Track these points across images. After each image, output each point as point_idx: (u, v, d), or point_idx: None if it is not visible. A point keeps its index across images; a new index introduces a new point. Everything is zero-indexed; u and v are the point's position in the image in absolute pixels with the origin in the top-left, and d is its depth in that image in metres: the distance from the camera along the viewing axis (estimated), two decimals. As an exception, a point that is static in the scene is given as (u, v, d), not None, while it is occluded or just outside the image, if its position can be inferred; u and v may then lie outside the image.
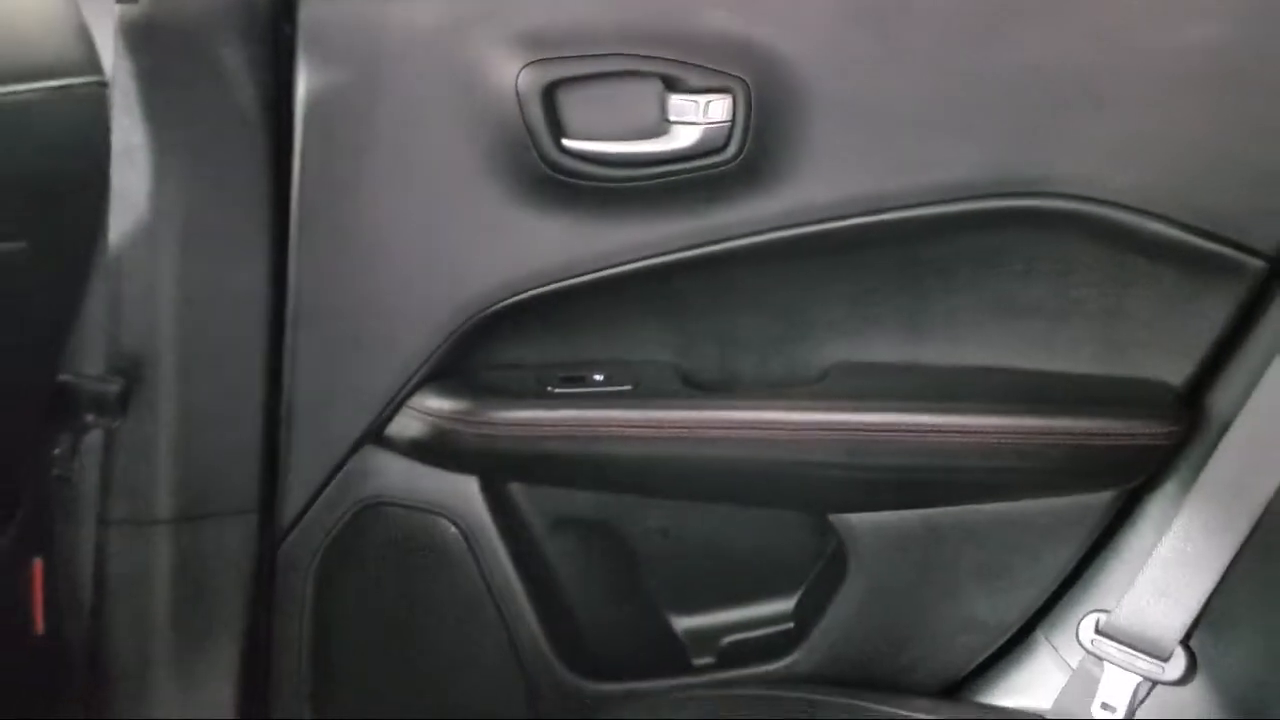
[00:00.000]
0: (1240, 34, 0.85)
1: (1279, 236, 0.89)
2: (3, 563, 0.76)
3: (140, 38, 0.87)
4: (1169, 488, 0.95)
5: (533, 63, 0.88)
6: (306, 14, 0.89)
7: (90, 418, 0.90)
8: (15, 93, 0.62)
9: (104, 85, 0.72)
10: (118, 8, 0.85)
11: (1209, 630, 0.90)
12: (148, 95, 0.88)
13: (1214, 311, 0.92)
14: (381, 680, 1.05)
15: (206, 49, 0.89)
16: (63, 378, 0.88)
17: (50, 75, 0.66)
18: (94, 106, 0.71)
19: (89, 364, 0.91)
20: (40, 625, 0.84)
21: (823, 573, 1.04)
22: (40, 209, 0.68)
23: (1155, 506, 0.96)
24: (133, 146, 0.87)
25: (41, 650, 0.87)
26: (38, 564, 0.84)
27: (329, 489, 0.99)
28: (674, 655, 1.06)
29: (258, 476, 0.98)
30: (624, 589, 1.06)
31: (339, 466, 0.99)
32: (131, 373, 0.92)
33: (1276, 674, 0.83)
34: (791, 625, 1.05)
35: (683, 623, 1.07)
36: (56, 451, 0.89)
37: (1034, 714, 0.96)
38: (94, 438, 0.92)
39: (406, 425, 0.97)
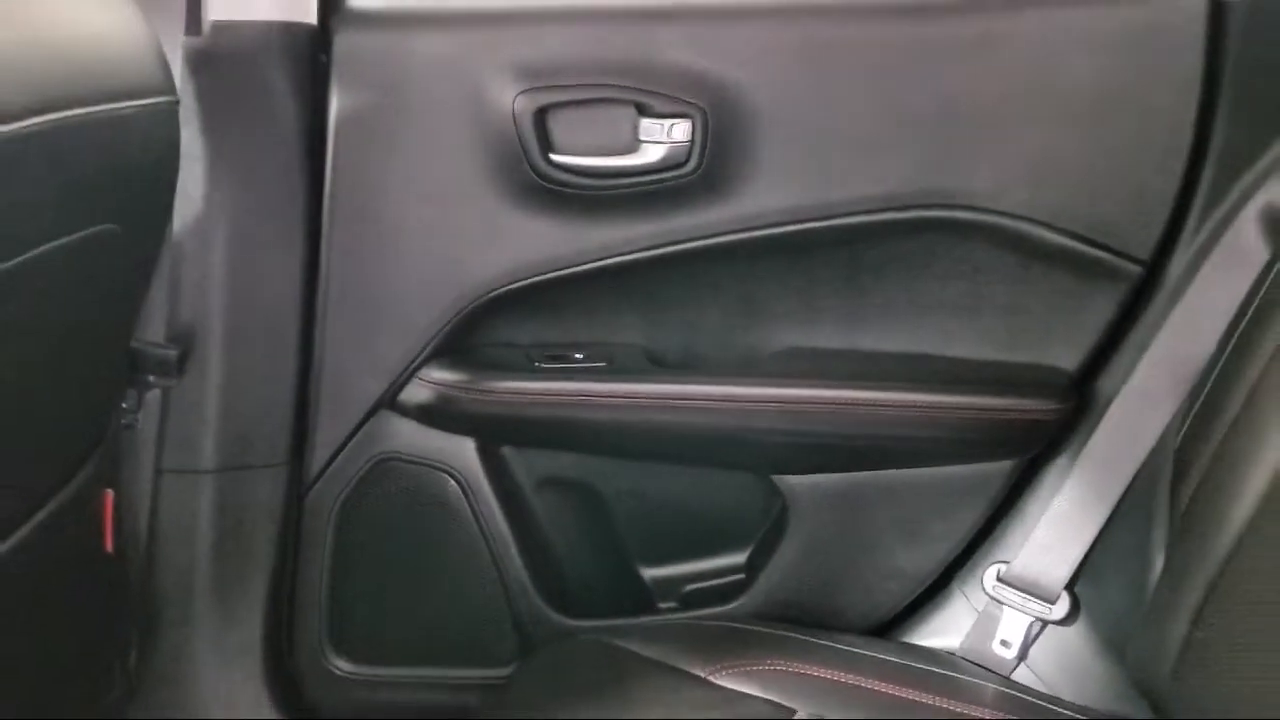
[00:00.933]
0: (1112, 76, 1.02)
1: (1151, 244, 1.05)
2: (84, 489, 0.92)
3: (201, 64, 1.03)
4: (1061, 458, 1.10)
5: (526, 90, 1.04)
6: (340, 46, 1.06)
7: (152, 378, 1.06)
8: (114, 109, 0.78)
9: (176, 103, 0.88)
10: (184, 37, 1.02)
11: (1089, 578, 1.05)
12: (206, 111, 1.04)
13: (1100, 307, 1.08)
14: (389, 611, 1.19)
15: (256, 74, 1.05)
16: (133, 343, 1.04)
17: (138, 95, 0.81)
18: (168, 120, 0.87)
19: (152, 333, 1.06)
20: (109, 544, 1.00)
21: (769, 528, 1.19)
22: (126, 200, 0.83)
23: (1049, 474, 1.10)
24: (192, 153, 1.03)
25: (108, 567, 1.03)
26: (108, 494, 1.00)
27: (349, 446, 1.14)
28: (641, 598, 1.21)
29: (289, 434, 1.13)
30: (599, 541, 1.21)
31: (358, 427, 1.13)
32: (186, 342, 1.07)
33: (1138, 614, 0.98)
34: (743, 576, 1.20)
35: (650, 572, 1.22)
36: (125, 405, 1.06)
37: (946, 652, 1.11)
38: (154, 395, 1.08)
39: (416, 393, 1.12)
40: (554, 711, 0.94)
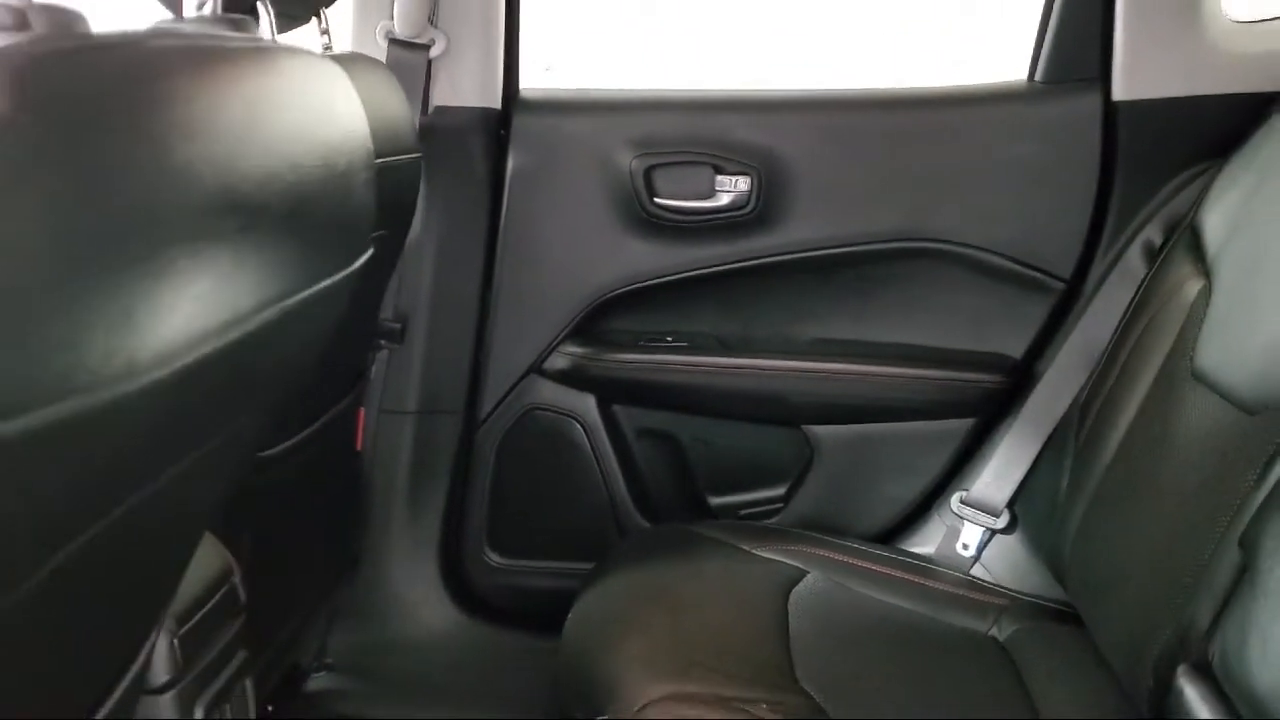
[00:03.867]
0: (1038, 152, 1.47)
1: (1071, 267, 1.48)
2: (351, 405, 1.40)
3: (426, 133, 1.49)
4: (1008, 417, 1.50)
5: (639, 155, 1.50)
6: (517, 124, 1.53)
7: (382, 343, 1.53)
8: (397, 160, 1.26)
9: (421, 158, 1.37)
10: (418, 115, 1.50)
11: (1024, 499, 1.46)
12: (427, 164, 1.48)
13: (1036, 311, 1.51)
14: (531, 519, 1.63)
15: (460, 141, 1.52)
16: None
17: (405, 152, 1.27)
18: (416, 168, 1.35)
19: (384, 311, 1.52)
20: (360, 444, 1.48)
21: (802, 467, 1.63)
22: (392, 217, 1.32)
23: (998, 427, 1.52)
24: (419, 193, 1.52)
25: (356, 463, 1.51)
26: (362, 410, 1.48)
27: (507, 399, 1.58)
28: (708, 518, 1.64)
29: (466, 389, 1.58)
30: (680, 475, 1.64)
31: (514, 386, 1.58)
32: (405, 320, 1.53)
33: (1053, 521, 1.36)
34: (782, 505, 1.64)
35: (715, 500, 1.65)
36: (365, 361, 1.54)
37: (924, 555, 1.53)
38: (383, 355, 1.54)
39: (556, 362, 1.57)
40: (635, 560, 1.38)
